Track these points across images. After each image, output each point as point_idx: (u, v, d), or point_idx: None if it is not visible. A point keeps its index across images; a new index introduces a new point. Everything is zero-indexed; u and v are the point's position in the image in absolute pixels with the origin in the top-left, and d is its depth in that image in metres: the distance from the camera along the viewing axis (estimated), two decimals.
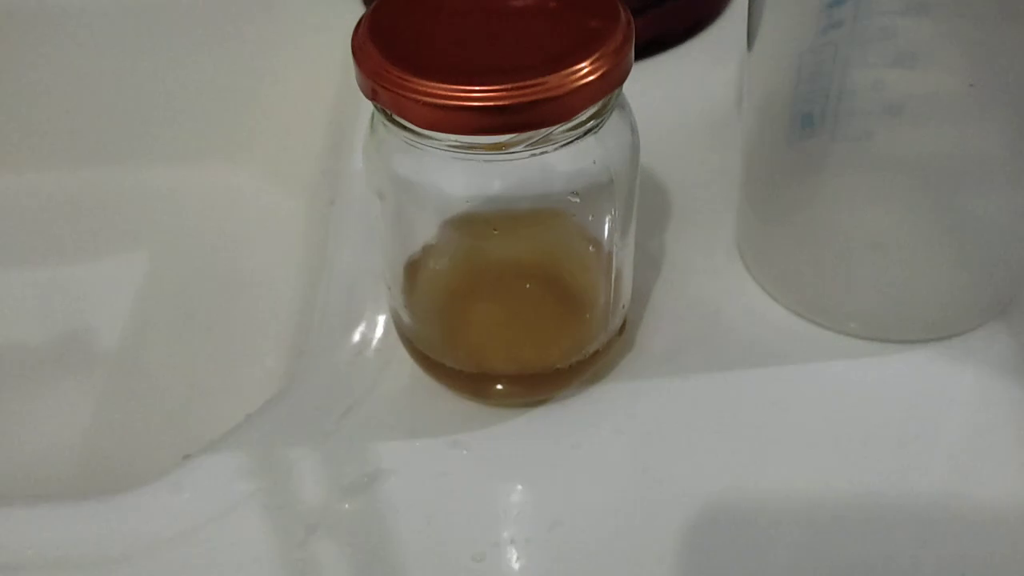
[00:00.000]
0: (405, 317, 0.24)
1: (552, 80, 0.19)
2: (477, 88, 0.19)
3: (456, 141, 0.20)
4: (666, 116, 0.36)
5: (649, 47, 0.38)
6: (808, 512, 0.24)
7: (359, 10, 0.41)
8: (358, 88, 0.21)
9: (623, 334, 0.26)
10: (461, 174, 0.21)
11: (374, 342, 0.28)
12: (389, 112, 0.20)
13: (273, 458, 0.25)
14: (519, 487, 0.24)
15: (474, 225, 0.22)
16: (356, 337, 0.28)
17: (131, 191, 0.47)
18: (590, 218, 0.22)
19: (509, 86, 0.19)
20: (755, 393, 0.26)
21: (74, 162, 0.47)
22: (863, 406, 0.26)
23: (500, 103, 0.19)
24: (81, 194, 0.47)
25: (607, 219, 0.22)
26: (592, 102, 0.20)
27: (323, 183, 0.42)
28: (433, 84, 0.19)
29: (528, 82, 0.19)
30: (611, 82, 0.20)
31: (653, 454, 0.25)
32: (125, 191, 0.47)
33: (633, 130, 0.23)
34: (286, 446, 0.25)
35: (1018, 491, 0.24)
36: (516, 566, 0.23)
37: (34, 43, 0.45)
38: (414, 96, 0.19)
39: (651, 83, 0.38)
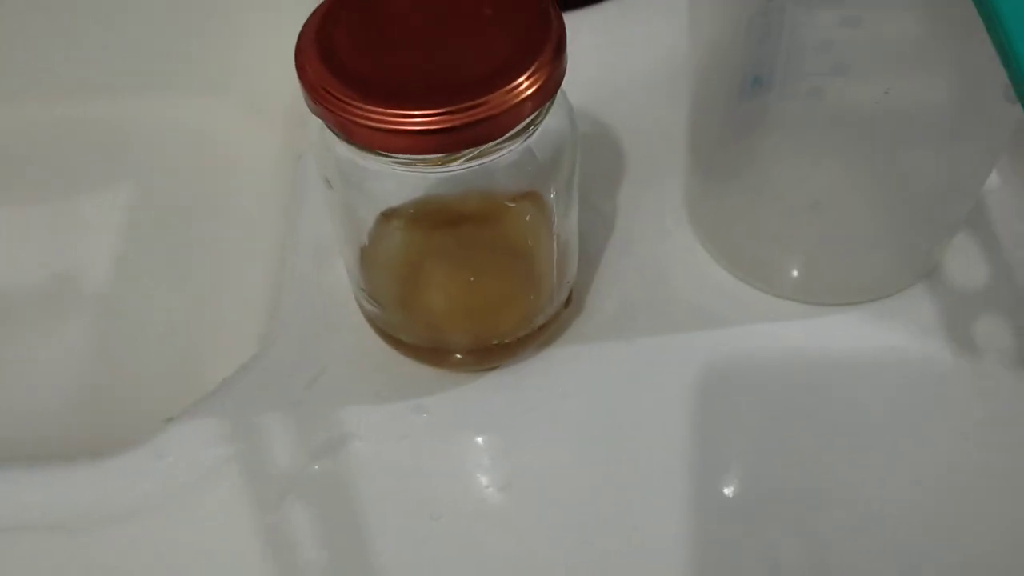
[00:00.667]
0: (362, 300, 0.26)
1: (491, 99, 0.20)
2: (416, 112, 0.20)
3: (397, 158, 0.21)
4: (622, 66, 0.37)
5: None
6: (744, 469, 0.26)
7: None
8: None
9: (569, 305, 0.28)
10: (402, 179, 0.22)
11: (339, 309, 0.29)
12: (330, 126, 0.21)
13: (248, 423, 0.27)
14: (475, 450, 0.27)
15: (419, 218, 0.23)
16: (322, 305, 0.29)
17: (108, 125, 0.47)
18: (531, 209, 0.23)
19: (448, 108, 0.20)
20: (696, 357, 0.28)
21: (49, 96, 0.47)
22: (794, 368, 0.28)
23: (440, 127, 0.20)
24: (57, 129, 0.47)
25: (548, 206, 0.24)
26: (530, 114, 0.21)
27: (296, 117, 0.42)
28: (373, 108, 0.20)
29: (467, 103, 0.20)
30: (548, 92, 0.21)
31: (600, 417, 0.27)
32: (103, 125, 0.47)
33: (571, 119, 0.24)
34: (259, 412, 0.27)
35: (935, 444, 0.26)
36: (470, 524, 0.25)
37: None
38: (354, 118, 0.20)
39: (606, 30, 0.38)
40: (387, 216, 0.24)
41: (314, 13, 0.22)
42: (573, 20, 0.38)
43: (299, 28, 0.43)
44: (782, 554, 0.24)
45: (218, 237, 0.44)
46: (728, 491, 0.26)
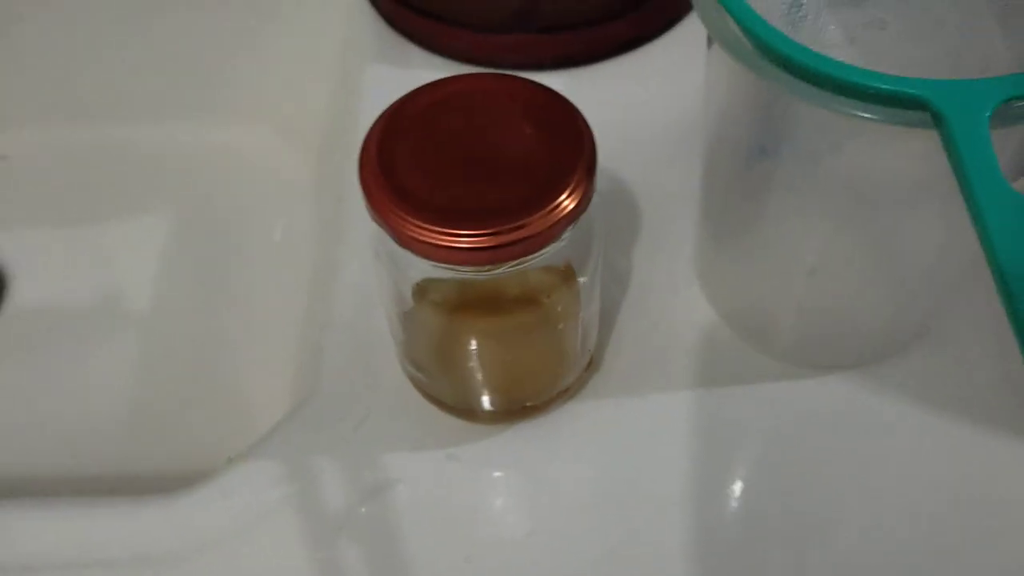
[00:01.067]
0: (402, 358, 0.29)
1: (532, 220, 0.23)
2: (466, 232, 0.23)
3: (446, 266, 0.24)
4: (639, 121, 0.39)
5: (626, 45, 0.40)
6: (747, 519, 0.29)
7: None
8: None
9: (589, 368, 0.31)
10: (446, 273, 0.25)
11: (380, 358, 0.32)
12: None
13: (302, 465, 0.31)
14: (502, 497, 0.30)
15: (458, 302, 0.26)
16: (364, 353, 0.33)
17: (148, 149, 0.50)
18: (562, 299, 0.26)
19: (495, 230, 0.23)
20: (701, 414, 0.31)
21: (92, 121, 0.50)
22: (791, 429, 0.31)
23: (487, 245, 0.23)
24: (99, 153, 0.50)
25: (577, 293, 0.27)
26: (566, 228, 0.24)
27: (331, 144, 0.45)
28: (428, 226, 0.23)
29: (511, 225, 0.23)
30: (583, 207, 0.24)
31: (614, 468, 0.30)
32: (143, 149, 0.50)
33: (596, 223, 0.27)
34: (312, 454, 0.31)
35: (926, 506, 0.30)
36: (498, 567, 0.29)
37: (62, 5, 0.47)
38: (411, 233, 0.23)
39: (625, 84, 0.41)
40: (428, 291, 0.27)
41: (374, 127, 0.25)
42: (582, 75, 0.41)
43: (330, 57, 0.46)
44: None
45: (255, 259, 0.47)
46: (730, 536, 0.29)
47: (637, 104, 0.40)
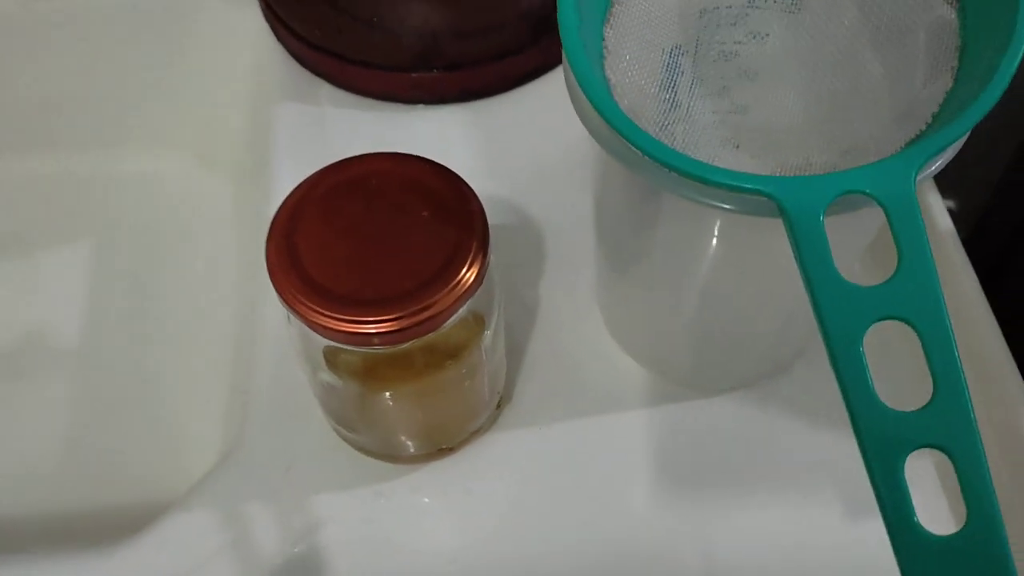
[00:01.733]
0: (324, 412, 0.31)
1: (436, 300, 0.25)
2: (372, 319, 0.25)
3: (356, 348, 0.26)
4: (536, 152, 0.41)
5: (527, 76, 0.42)
6: (652, 532, 0.32)
7: (258, 17, 0.44)
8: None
9: (500, 406, 0.33)
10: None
11: (303, 405, 0.34)
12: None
13: (234, 513, 0.33)
14: (426, 528, 0.33)
15: (368, 368, 0.28)
16: (288, 401, 0.34)
17: (63, 179, 0.50)
18: (467, 359, 0.29)
19: (400, 314, 0.25)
20: (603, 438, 0.34)
21: (14, 152, 0.50)
22: (688, 446, 0.34)
23: (392, 329, 0.25)
24: (14, 185, 0.50)
25: (482, 350, 0.29)
26: (467, 301, 0.26)
27: (247, 167, 0.46)
28: (334, 315, 0.25)
29: (415, 308, 0.25)
30: (479, 281, 0.26)
31: (525, 496, 0.33)
32: (58, 180, 0.50)
33: (493, 275, 0.29)
34: (243, 501, 0.33)
35: (798, 505, 0.33)
36: None
37: None
38: (318, 320, 0.25)
39: (528, 112, 0.43)
40: (339, 356, 0.28)
41: (278, 216, 0.26)
42: (486, 107, 0.42)
43: (243, 89, 0.47)
44: None
45: (181, 290, 0.48)
46: (637, 551, 0.32)
47: (541, 132, 0.42)
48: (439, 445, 0.32)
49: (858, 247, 0.30)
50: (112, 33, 0.47)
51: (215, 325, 0.45)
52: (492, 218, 0.28)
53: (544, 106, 0.43)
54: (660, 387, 0.35)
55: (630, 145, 0.23)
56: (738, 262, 0.29)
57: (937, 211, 0.38)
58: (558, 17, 0.24)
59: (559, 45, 0.25)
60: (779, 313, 0.32)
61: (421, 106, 0.41)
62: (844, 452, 0.33)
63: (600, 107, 0.24)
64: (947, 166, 0.25)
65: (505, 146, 0.42)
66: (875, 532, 0.23)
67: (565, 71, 0.27)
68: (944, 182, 0.40)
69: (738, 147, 0.28)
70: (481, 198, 0.28)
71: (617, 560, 0.32)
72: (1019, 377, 0.34)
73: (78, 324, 0.46)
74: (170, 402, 0.44)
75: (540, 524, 0.33)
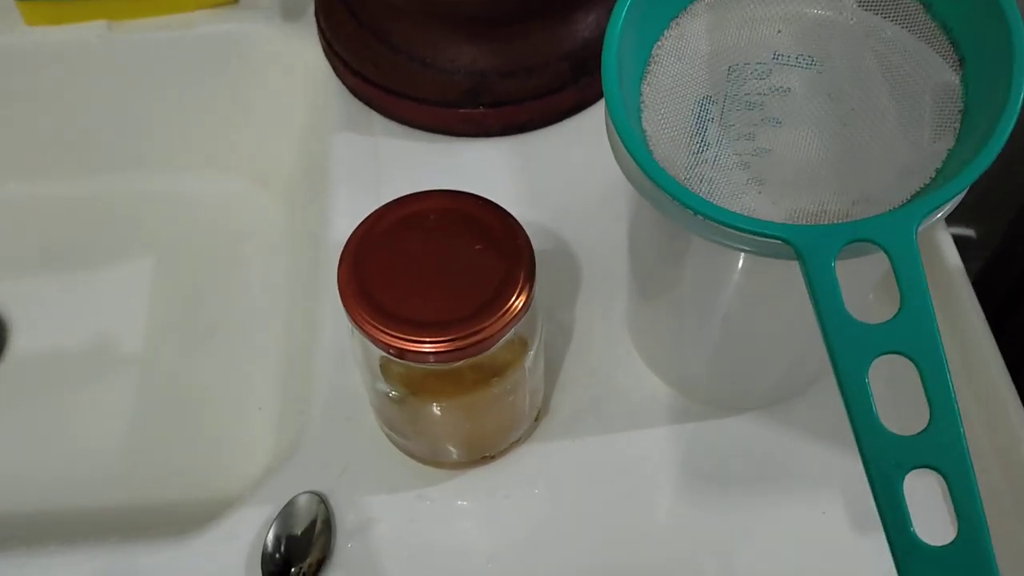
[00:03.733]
0: (377, 418, 0.34)
1: (486, 326, 0.28)
2: (430, 339, 0.28)
3: (416, 365, 0.29)
4: (576, 184, 0.44)
5: (567, 112, 0.45)
6: (671, 543, 0.35)
7: (318, 53, 0.48)
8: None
9: (538, 418, 0.36)
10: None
11: (357, 412, 0.38)
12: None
13: (295, 508, 0.36)
14: (466, 531, 0.36)
15: (423, 381, 0.31)
16: (344, 407, 0.38)
17: (127, 200, 0.54)
18: (512, 376, 0.32)
19: (454, 336, 0.28)
20: (631, 451, 0.37)
21: (76, 174, 0.54)
22: (708, 460, 0.37)
23: (448, 349, 0.28)
24: (89, 202, 0.54)
25: (525, 369, 0.32)
26: (514, 326, 0.29)
27: (302, 191, 0.50)
28: (400, 335, 0.28)
29: (468, 332, 0.28)
30: (526, 308, 0.29)
31: (559, 502, 0.36)
32: (130, 198, 0.54)
33: (536, 301, 0.32)
34: (302, 498, 0.36)
35: (814, 515, 0.36)
36: None
37: (62, 73, 0.51)
38: (383, 339, 0.28)
39: (567, 146, 0.46)
40: (394, 367, 0.31)
41: (347, 246, 0.30)
42: (528, 140, 0.45)
43: (300, 119, 0.50)
44: None
45: (234, 300, 0.51)
46: (664, 557, 0.35)
47: (579, 164, 0.45)
48: (482, 453, 0.35)
49: (868, 285, 0.32)
50: (179, 63, 0.50)
51: (268, 337, 0.49)
52: (532, 243, 0.31)
53: (581, 140, 0.46)
54: (684, 406, 0.38)
55: (664, 192, 0.26)
56: (758, 296, 0.32)
57: (947, 248, 0.40)
58: (602, 76, 0.27)
59: (596, 84, 0.28)
60: (794, 343, 0.35)
61: (468, 138, 0.45)
62: (853, 470, 0.36)
63: (637, 158, 0.27)
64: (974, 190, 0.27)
65: (545, 176, 0.45)
66: (881, 543, 0.26)
67: (607, 122, 0.30)
68: (965, 211, 0.42)
69: (761, 185, 0.31)
70: (522, 224, 0.31)
71: (640, 564, 0.35)
72: (1019, 403, 0.37)
73: (140, 334, 0.50)
74: (222, 408, 0.47)
75: (571, 528, 0.36)
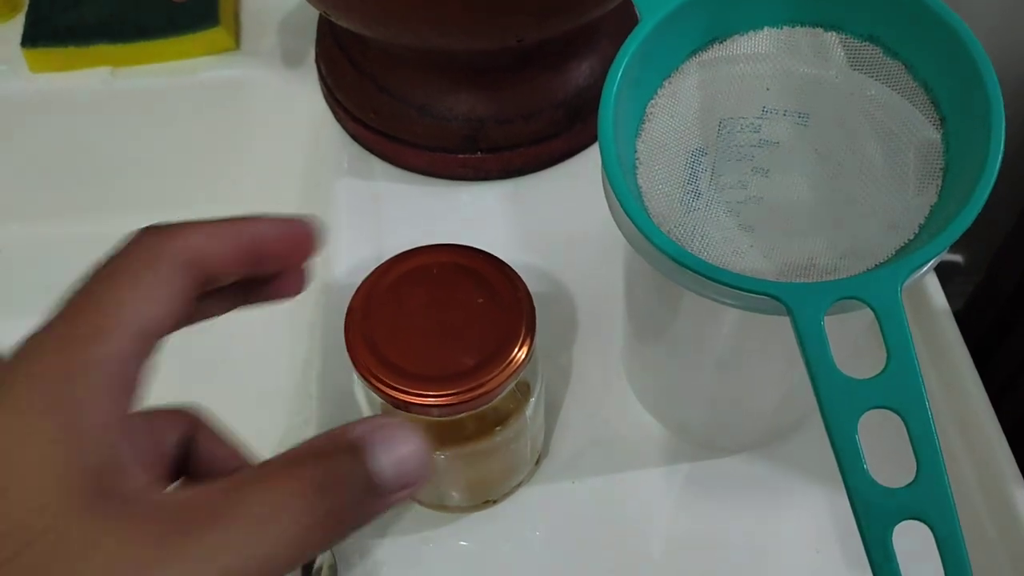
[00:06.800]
0: None
1: (488, 379, 0.29)
2: (434, 393, 0.29)
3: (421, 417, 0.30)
4: (576, 221, 0.45)
5: (562, 156, 0.46)
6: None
7: (318, 99, 0.49)
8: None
9: (538, 463, 0.37)
10: None
11: None
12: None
13: None
14: (467, 573, 0.36)
15: (422, 428, 0.32)
16: None
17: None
18: (513, 424, 0.32)
19: (458, 390, 0.29)
20: (628, 490, 0.38)
21: (84, 214, 0.54)
22: (703, 499, 0.38)
23: (452, 402, 0.29)
24: (93, 243, 0.54)
25: (526, 419, 0.33)
26: (517, 377, 0.30)
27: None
28: (404, 388, 0.29)
29: (472, 385, 0.29)
30: (527, 360, 0.30)
31: (558, 542, 0.37)
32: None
33: (538, 360, 0.33)
34: None
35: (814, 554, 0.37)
36: None
37: (67, 118, 0.52)
38: (390, 391, 0.29)
39: (562, 189, 0.47)
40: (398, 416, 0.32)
41: (353, 300, 0.31)
42: (524, 183, 0.46)
43: (301, 164, 0.51)
44: None
45: (234, 339, 0.52)
46: None
47: (574, 206, 0.46)
48: (484, 498, 0.36)
49: (857, 332, 0.33)
50: (181, 108, 0.52)
51: (268, 380, 0.49)
52: (528, 285, 0.32)
53: (575, 183, 0.47)
54: (679, 446, 0.39)
55: (659, 251, 0.27)
56: (748, 345, 0.33)
57: (933, 290, 0.41)
58: (599, 137, 0.28)
59: (590, 130, 0.29)
60: (782, 388, 0.36)
61: (465, 182, 0.46)
62: (846, 508, 0.37)
63: (634, 218, 0.28)
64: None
65: (541, 218, 0.46)
66: None
67: (603, 180, 0.31)
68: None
69: (752, 234, 0.32)
70: (518, 266, 0.32)
71: None
72: (1007, 448, 0.38)
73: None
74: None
75: (572, 569, 0.36)
